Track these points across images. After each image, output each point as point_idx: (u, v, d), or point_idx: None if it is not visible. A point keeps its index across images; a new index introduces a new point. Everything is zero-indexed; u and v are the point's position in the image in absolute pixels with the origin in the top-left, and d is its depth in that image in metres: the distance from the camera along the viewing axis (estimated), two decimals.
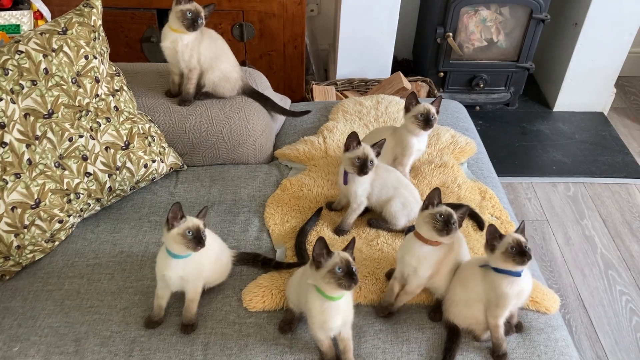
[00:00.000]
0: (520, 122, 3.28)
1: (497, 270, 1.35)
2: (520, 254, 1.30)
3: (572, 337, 2.10)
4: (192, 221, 1.33)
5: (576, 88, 3.28)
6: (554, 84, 3.37)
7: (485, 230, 1.50)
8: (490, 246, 1.35)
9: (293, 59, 2.75)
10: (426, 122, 1.72)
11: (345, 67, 3.00)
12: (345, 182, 1.66)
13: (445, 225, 1.35)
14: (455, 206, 1.73)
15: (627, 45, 3.11)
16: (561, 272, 2.43)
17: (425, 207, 1.40)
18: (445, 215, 1.36)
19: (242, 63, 2.68)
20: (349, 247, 1.27)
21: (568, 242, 2.57)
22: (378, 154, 1.62)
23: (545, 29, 3.03)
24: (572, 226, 2.66)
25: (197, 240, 1.31)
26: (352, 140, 1.59)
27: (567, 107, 3.36)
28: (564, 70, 3.22)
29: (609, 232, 2.63)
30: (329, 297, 1.25)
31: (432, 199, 1.39)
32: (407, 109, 1.76)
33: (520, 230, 1.36)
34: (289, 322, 1.43)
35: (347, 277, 1.20)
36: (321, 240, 1.23)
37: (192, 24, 1.77)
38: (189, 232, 1.31)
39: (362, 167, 1.58)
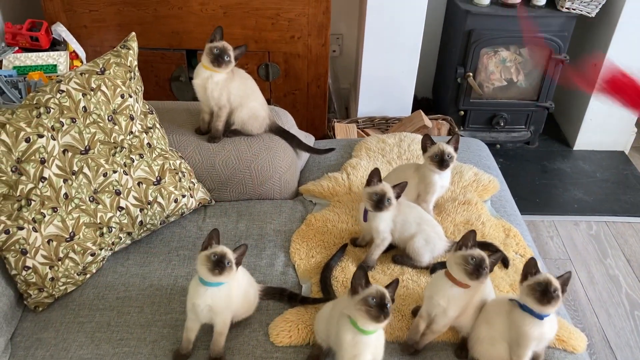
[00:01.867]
0: (540, 161, 3.30)
1: (522, 307, 1.35)
2: (543, 293, 1.31)
3: None
4: (221, 248, 1.36)
5: (596, 127, 3.29)
6: (574, 123, 3.39)
7: (516, 267, 1.51)
8: (523, 277, 1.37)
9: (316, 98, 2.82)
10: (440, 162, 1.75)
11: (367, 106, 3.06)
12: (365, 219, 1.69)
13: (476, 270, 1.36)
14: (485, 245, 1.76)
15: None
16: (585, 312, 2.41)
17: (459, 247, 1.41)
18: (477, 259, 1.37)
19: (267, 102, 2.73)
20: (391, 286, 1.29)
21: (592, 282, 2.55)
22: (398, 196, 1.64)
23: (564, 69, 3.07)
24: (596, 265, 2.64)
25: (216, 263, 1.33)
26: (374, 176, 1.63)
27: (588, 145, 3.38)
28: (584, 109, 3.24)
29: (633, 271, 2.61)
30: (362, 331, 1.26)
31: (467, 240, 1.40)
32: (424, 150, 1.79)
33: (564, 279, 1.36)
34: (316, 357, 1.44)
35: (378, 308, 1.22)
36: (362, 269, 1.27)
37: (216, 59, 1.84)
38: (214, 256, 1.34)
39: (378, 202, 1.60)
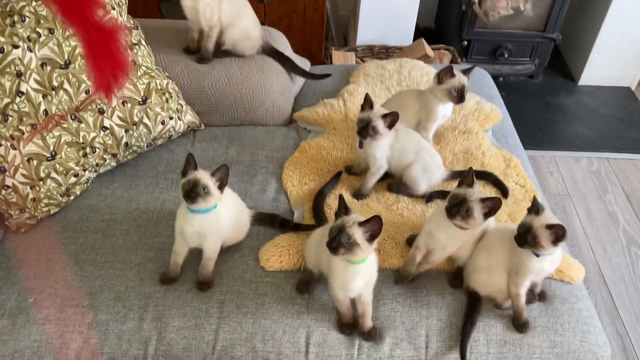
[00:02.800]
0: (544, 95, 3.20)
1: None
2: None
3: None
4: (195, 174, 1.29)
5: (603, 61, 3.18)
6: (580, 57, 3.27)
7: (515, 196, 1.45)
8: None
9: (313, 22, 2.68)
10: (460, 97, 1.66)
11: (366, 34, 2.93)
12: (361, 146, 1.62)
13: (451, 208, 1.31)
14: (485, 175, 1.69)
15: None
16: (582, 247, 2.38)
17: (459, 184, 1.36)
18: (459, 198, 1.31)
19: (262, 24, 2.61)
20: (370, 221, 1.17)
21: (590, 217, 2.51)
22: (391, 126, 1.56)
23: None
24: (595, 201, 2.59)
25: (188, 192, 1.27)
26: (365, 102, 1.56)
27: (593, 81, 3.27)
28: (592, 42, 3.12)
29: (632, 208, 2.57)
30: (351, 261, 1.22)
31: (466, 178, 1.34)
32: (440, 81, 1.68)
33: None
34: (307, 282, 1.41)
35: (329, 241, 1.17)
36: (341, 198, 1.22)
37: None
38: (188, 183, 1.28)
39: (362, 130, 1.54)
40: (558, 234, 1.23)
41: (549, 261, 1.32)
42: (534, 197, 1.32)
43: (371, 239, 1.18)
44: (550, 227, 1.24)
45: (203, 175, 1.29)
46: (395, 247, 1.51)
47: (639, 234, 2.44)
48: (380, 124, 1.54)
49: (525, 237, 1.26)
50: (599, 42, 3.09)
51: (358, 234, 1.16)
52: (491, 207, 1.30)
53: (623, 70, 3.23)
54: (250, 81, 1.89)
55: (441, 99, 1.69)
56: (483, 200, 1.30)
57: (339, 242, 1.16)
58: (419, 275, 1.45)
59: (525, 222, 1.28)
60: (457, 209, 1.30)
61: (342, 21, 3.35)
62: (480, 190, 1.34)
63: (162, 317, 1.36)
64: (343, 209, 1.21)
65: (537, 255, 1.29)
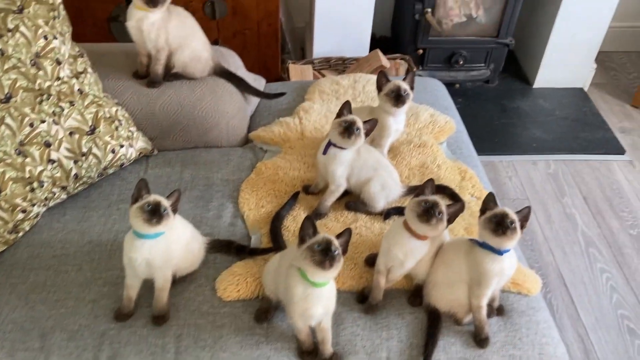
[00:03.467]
0: (500, 99, 3.25)
1: (481, 245, 1.32)
2: (498, 224, 1.27)
3: (553, 316, 2.10)
4: (154, 197, 1.28)
5: (556, 64, 3.24)
6: (533, 60, 3.33)
7: (472, 209, 1.46)
8: (481, 212, 1.33)
9: (268, 37, 2.67)
10: (397, 98, 1.67)
11: (322, 46, 2.93)
12: (325, 152, 1.60)
13: (425, 212, 1.30)
14: (441, 188, 1.71)
15: (606, 19, 3.08)
16: (542, 251, 2.41)
17: (416, 196, 1.35)
18: (430, 203, 1.30)
19: (215, 42, 2.58)
20: (343, 235, 1.21)
21: (549, 220, 2.56)
22: (367, 133, 1.57)
23: (524, 3, 2.98)
24: (553, 204, 2.64)
25: (152, 213, 1.24)
26: (344, 108, 1.56)
27: (547, 83, 3.33)
28: (544, 45, 3.18)
29: (589, 209, 2.62)
30: (312, 283, 1.20)
31: (424, 188, 1.35)
32: (379, 89, 1.70)
33: (524, 214, 1.31)
34: (265, 310, 1.39)
35: (322, 253, 1.15)
36: (309, 218, 1.21)
37: (150, 0, 1.69)
38: (148, 205, 1.25)
39: (347, 128, 1.52)
40: (526, 214, 1.31)
41: (508, 261, 1.33)
42: (490, 193, 1.35)
43: (343, 253, 1.19)
44: (518, 211, 1.30)
45: (161, 198, 1.28)
46: (354, 269, 1.50)
47: (597, 236, 2.49)
48: (362, 128, 1.54)
49: (504, 224, 1.27)
50: (550, 45, 3.15)
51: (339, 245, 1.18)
52: (454, 213, 1.33)
53: (575, 72, 3.30)
54: (202, 103, 1.87)
55: (387, 109, 1.70)
56: (447, 206, 1.32)
57: (335, 256, 1.16)
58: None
59: (500, 211, 1.29)
60: (433, 211, 1.30)
61: (299, 33, 3.35)
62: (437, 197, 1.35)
63: (117, 356, 1.32)
64: (311, 230, 1.20)
65: (500, 254, 1.29)
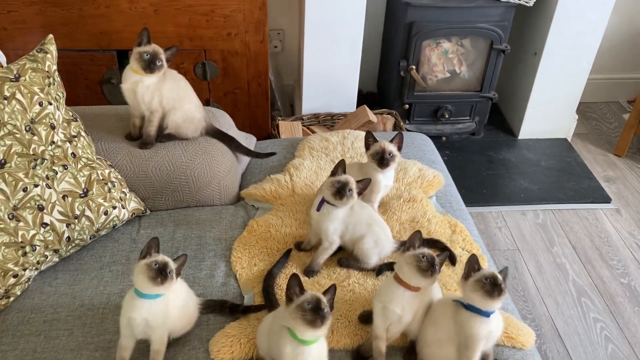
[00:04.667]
0: (486, 151, 3.31)
1: (467, 308, 1.32)
2: (492, 286, 1.28)
3: None
4: (162, 257, 1.30)
5: (539, 116, 3.33)
6: (517, 113, 3.41)
7: (463, 262, 1.47)
8: (466, 274, 1.33)
9: (258, 96, 2.73)
10: (380, 161, 1.71)
11: (311, 102, 3.00)
12: (319, 209, 1.62)
13: (430, 266, 1.31)
14: (432, 242, 1.73)
15: (585, 72, 3.18)
16: (535, 302, 2.42)
17: (406, 249, 1.37)
18: (428, 257, 1.33)
19: (206, 102, 2.64)
20: (329, 292, 1.23)
21: (540, 271, 2.57)
22: (361, 192, 1.59)
23: (506, 59, 3.09)
24: (543, 254, 2.66)
25: (159, 271, 1.27)
26: (339, 167, 1.58)
27: (532, 134, 3.41)
28: (527, 98, 3.27)
29: (579, 258, 2.64)
30: (301, 341, 1.20)
31: (414, 240, 1.37)
32: (366, 147, 1.75)
33: (503, 274, 1.33)
34: None
35: (313, 312, 1.17)
36: (295, 277, 1.22)
37: (148, 66, 1.75)
38: (155, 264, 1.27)
39: (340, 190, 1.55)
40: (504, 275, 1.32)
41: (495, 323, 1.33)
42: (472, 254, 1.36)
43: (330, 309, 1.20)
44: (501, 271, 1.31)
45: (169, 260, 1.31)
46: (347, 326, 1.50)
47: (588, 285, 2.50)
48: (354, 189, 1.57)
49: (497, 285, 1.28)
50: (532, 98, 3.25)
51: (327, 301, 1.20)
52: (441, 262, 1.35)
53: (558, 123, 3.39)
54: (194, 163, 1.90)
55: (373, 167, 1.73)
56: (437, 255, 1.36)
57: (325, 314, 1.18)
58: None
59: (490, 273, 1.31)
60: (434, 267, 1.32)
61: (288, 90, 3.42)
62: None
63: None
64: (298, 288, 1.21)
65: (487, 316, 1.30)
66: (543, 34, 3.05)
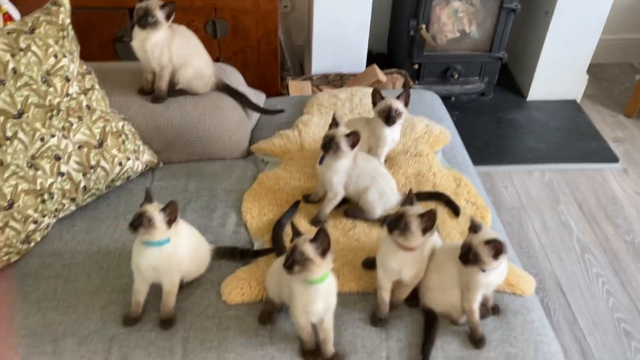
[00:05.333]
0: (495, 112, 3.32)
1: None
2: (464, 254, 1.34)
3: (551, 320, 2.15)
4: (144, 206, 1.34)
5: (549, 76, 3.32)
6: (527, 73, 3.41)
7: (467, 215, 1.52)
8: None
9: (267, 55, 2.75)
10: (387, 118, 1.74)
11: (320, 63, 3.01)
12: (321, 162, 1.67)
13: (390, 225, 1.37)
14: (437, 195, 1.77)
15: (597, 32, 3.16)
16: (539, 258, 2.46)
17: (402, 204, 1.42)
18: (393, 215, 1.37)
19: (216, 60, 2.65)
20: (316, 237, 1.24)
21: (545, 228, 2.61)
22: (353, 145, 1.62)
23: (516, 18, 3.07)
24: (549, 212, 2.70)
25: (132, 222, 1.32)
26: (332, 122, 1.63)
27: (541, 95, 3.41)
28: (536, 59, 3.26)
29: (584, 216, 2.67)
30: (309, 281, 1.26)
31: (406, 200, 1.41)
32: (374, 104, 1.78)
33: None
34: (269, 313, 1.44)
35: (285, 260, 1.23)
36: (292, 225, 1.29)
37: (139, 22, 1.77)
38: (136, 216, 1.33)
39: (325, 144, 1.60)
40: (497, 248, 1.30)
41: (495, 274, 1.38)
42: (471, 218, 1.39)
43: (323, 253, 1.24)
44: (488, 242, 1.31)
45: (151, 208, 1.34)
46: (353, 272, 1.56)
47: (592, 242, 2.54)
48: (343, 142, 1.60)
49: (468, 256, 1.32)
50: (542, 58, 3.23)
51: (309, 250, 1.22)
52: (428, 221, 1.35)
53: (568, 84, 3.38)
54: (205, 118, 1.94)
55: (379, 122, 1.77)
56: (421, 215, 1.36)
57: (292, 260, 1.22)
58: (399, 305, 1.50)
59: (465, 242, 1.34)
60: (395, 223, 1.36)
61: (298, 51, 3.43)
62: (419, 207, 1.39)
63: (126, 359, 1.37)
64: (296, 234, 1.27)
65: (483, 271, 1.35)
66: None
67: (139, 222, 1.31)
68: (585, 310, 2.25)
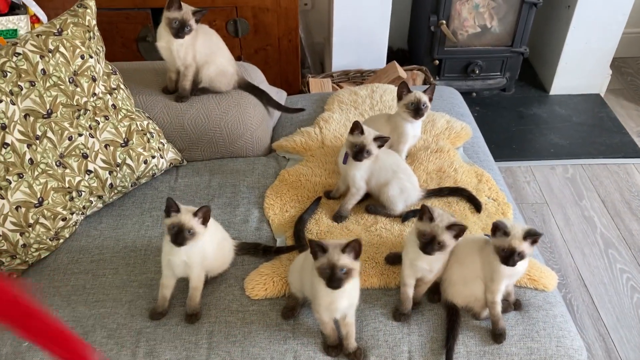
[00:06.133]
0: (517, 107, 3.30)
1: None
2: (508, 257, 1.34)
3: (574, 316, 2.14)
4: (179, 217, 1.35)
5: (572, 70, 3.28)
6: (549, 68, 3.38)
7: (488, 210, 1.52)
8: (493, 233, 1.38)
9: (288, 53, 2.77)
10: (416, 111, 1.75)
11: (341, 59, 3.02)
12: (345, 162, 1.69)
13: (423, 246, 1.36)
14: (458, 191, 1.78)
15: (620, 25, 3.12)
16: (561, 253, 2.45)
17: (419, 218, 1.39)
18: (427, 237, 1.35)
19: (238, 58, 2.68)
20: (348, 246, 1.25)
21: (568, 223, 2.59)
22: (380, 146, 1.64)
23: (538, 12, 3.04)
24: (571, 207, 2.68)
25: (175, 237, 1.35)
26: (356, 128, 1.62)
27: (564, 90, 3.37)
28: (559, 53, 3.23)
29: (608, 211, 2.65)
30: None
31: (423, 214, 1.38)
32: (399, 98, 1.78)
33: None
34: (292, 308, 1.46)
35: (330, 280, 1.24)
36: (312, 242, 1.26)
37: (177, 34, 1.81)
38: (173, 227, 1.35)
39: (357, 153, 1.61)
40: (535, 237, 1.33)
41: (519, 264, 1.38)
42: (493, 222, 1.37)
43: (356, 257, 1.26)
44: (526, 235, 1.33)
45: (186, 218, 1.35)
46: (375, 267, 1.57)
47: (616, 237, 2.52)
48: (373, 147, 1.62)
49: (513, 258, 1.33)
50: (565, 52, 3.20)
51: (347, 262, 1.24)
52: (459, 231, 1.37)
53: (591, 78, 3.34)
54: (228, 116, 1.97)
55: (405, 118, 1.77)
56: (449, 227, 1.36)
57: (339, 279, 1.24)
58: (421, 300, 1.51)
59: (504, 247, 1.34)
60: (431, 247, 1.36)
61: (318, 48, 3.45)
62: (447, 215, 1.39)
63: (153, 352, 1.41)
64: (320, 249, 1.25)
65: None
66: None
67: (183, 237, 1.35)
68: (609, 306, 2.24)
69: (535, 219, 2.60)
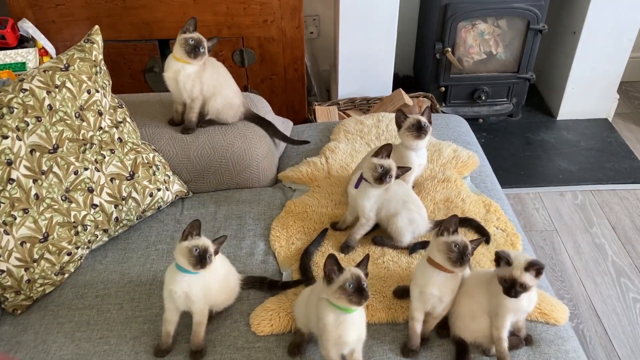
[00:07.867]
0: (524, 133, 3.28)
1: None
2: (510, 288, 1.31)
3: (586, 348, 2.09)
4: (203, 241, 1.36)
5: (578, 96, 3.27)
6: (556, 93, 3.37)
7: (497, 241, 1.49)
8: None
9: (294, 82, 2.78)
10: (418, 130, 1.73)
11: (347, 87, 3.03)
12: (357, 186, 1.67)
13: (460, 257, 1.34)
14: (466, 221, 1.75)
15: (627, 50, 3.12)
16: (572, 282, 2.41)
17: (440, 233, 1.38)
18: (461, 246, 1.34)
19: (245, 88, 2.71)
20: (362, 263, 1.28)
21: (578, 251, 2.56)
22: (398, 176, 1.64)
23: (544, 38, 3.05)
24: (582, 235, 2.64)
25: (200, 259, 1.34)
26: (384, 149, 1.61)
27: (571, 115, 3.36)
28: (565, 78, 3.22)
29: (619, 239, 2.61)
30: (344, 309, 1.25)
31: (449, 225, 1.37)
32: (399, 126, 1.77)
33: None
34: (298, 344, 1.44)
35: (357, 293, 1.22)
36: (332, 256, 1.25)
37: (192, 50, 1.81)
38: (196, 249, 1.34)
39: (382, 176, 1.59)
40: (538, 269, 1.30)
41: (526, 299, 1.35)
42: (496, 252, 1.35)
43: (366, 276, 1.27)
44: (528, 266, 1.30)
45: (208, 243, 1.38)
46: (382, 301, 1.55)
47: (627, 265, 2.48)
48: (394, 175, 1.62)
49: (515, 289, 1.30)
50: (572, 77, 3.19)
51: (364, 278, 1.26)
52: (476, 246, 1.38)
53: (598, 103, 3.33)
54: (234, 147, 1.96)
55: (408, 144, 1.76)
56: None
57: (367, 298, 1.23)
58: (429, 336, 1.48)
59: (505, 277, 1.31)
60: (466, 256, 1.34)
61: (324, 76, 3.46)
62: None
63: None
64: (336, 267, 1.25)
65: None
66: (582, 12, 2.99)
67: (208, 259, 1.35)
68: (622, 337, 2.19)
69: (545, 247, 2.57)
